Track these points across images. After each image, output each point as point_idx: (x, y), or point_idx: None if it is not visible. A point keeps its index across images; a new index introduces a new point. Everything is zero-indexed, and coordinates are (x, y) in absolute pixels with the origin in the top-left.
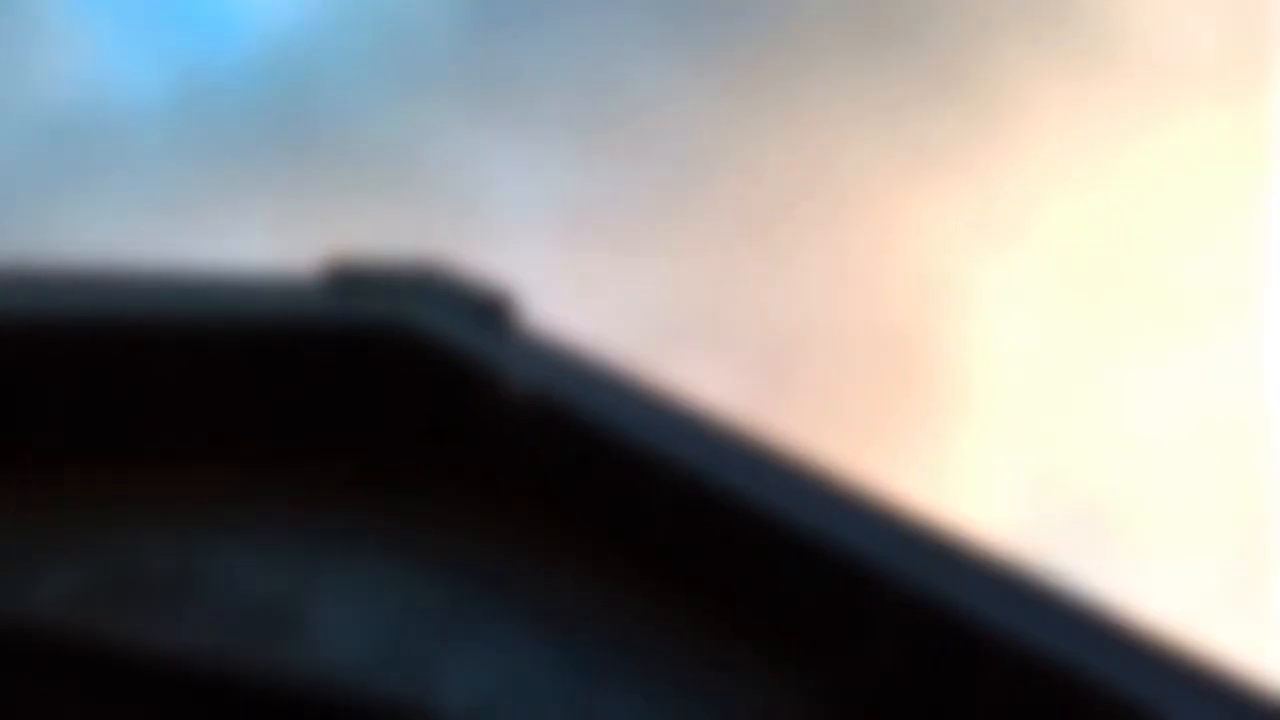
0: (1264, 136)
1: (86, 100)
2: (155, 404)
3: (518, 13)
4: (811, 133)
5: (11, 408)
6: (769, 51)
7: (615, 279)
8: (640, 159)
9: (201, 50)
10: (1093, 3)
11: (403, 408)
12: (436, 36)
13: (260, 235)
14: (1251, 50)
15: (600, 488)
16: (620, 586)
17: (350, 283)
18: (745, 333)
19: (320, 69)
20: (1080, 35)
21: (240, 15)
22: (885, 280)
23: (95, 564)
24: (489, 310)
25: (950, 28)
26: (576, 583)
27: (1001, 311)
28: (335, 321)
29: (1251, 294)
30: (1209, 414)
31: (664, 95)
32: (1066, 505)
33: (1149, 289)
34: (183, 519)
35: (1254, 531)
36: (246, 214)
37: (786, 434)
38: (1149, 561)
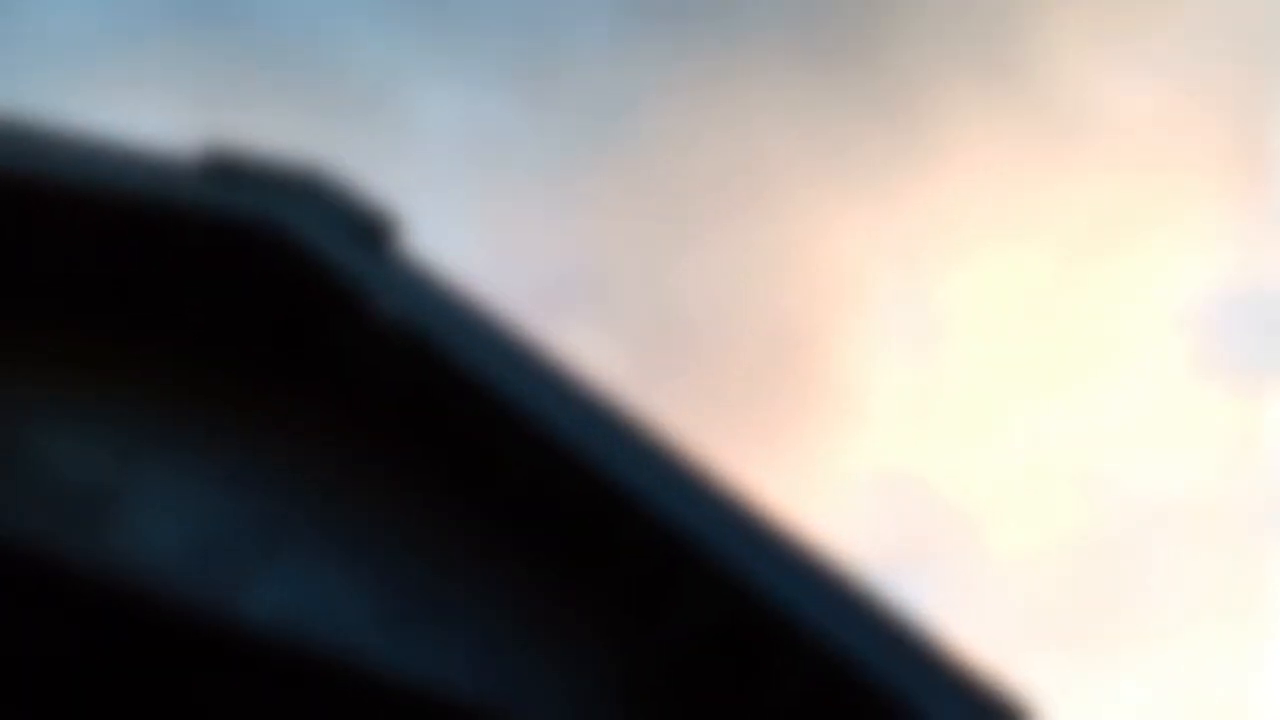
0: (1175, 205)
1: None
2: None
3: None
4: (747, 128)
5: None
6: (725, 46)
7: (516, 224)
8: (568, 114)
9: None
10: (1038, 62)
11: (261, 310)
12: None
13: (161, 115)
14: (1177, 119)
15: (448, 425)
16: (453, 524)
17: (231, 174)
18: (637, 303)
19: None
20: (1021, 89)
21: None
22: (787, 279)
23: None
24: (370, 228)
25: (902, 60)
26: (409, 513)
27: (896, 327)
28: (205, 209)
29: (1130, 346)
30: (1073, 451)
31: (607, 60)
32: (916, 515)
33: (1040, 328)
34: (13, 389)
35: (1086, 571)
36: (152, 91)
37: (652, 408)
38: (975, 579)
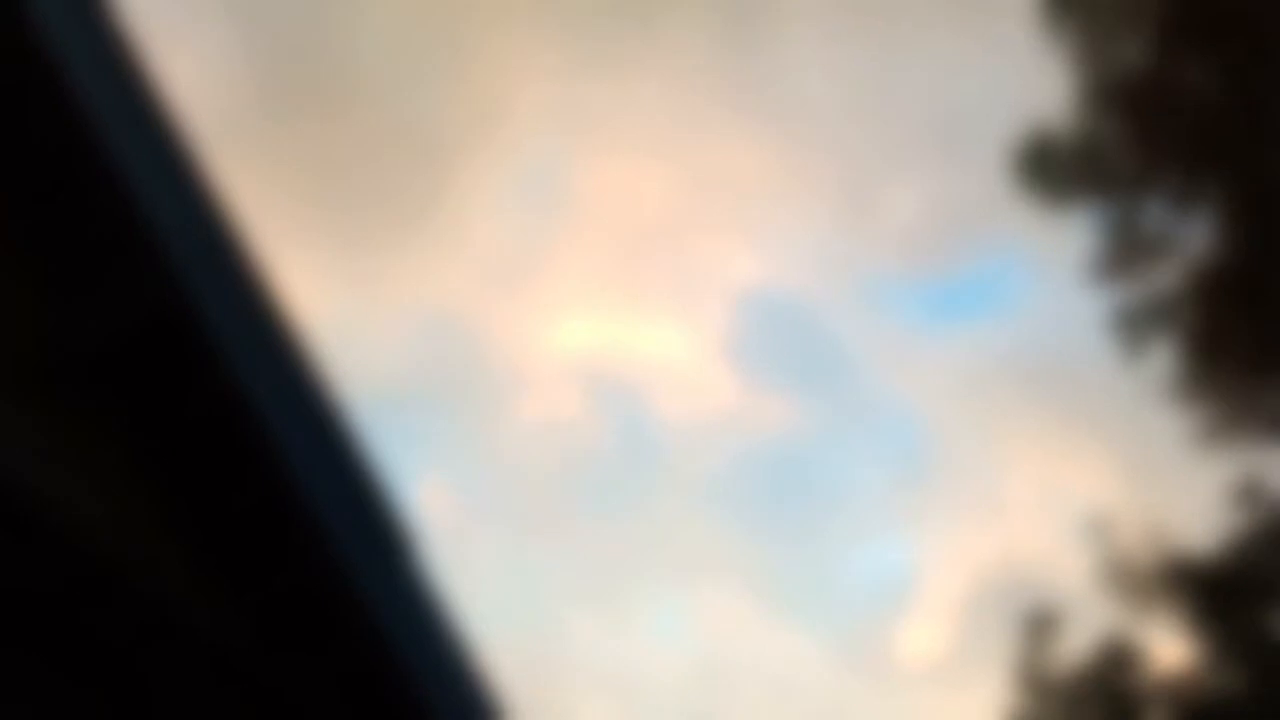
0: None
1: None
2: None
3: None
4: None
5: None
6: None
7: None
8: None
9: None
10: (775, 42)
11: None
12: None
13: None
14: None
15: None
16: None
17: None
18: (280, 32)
19: None
20: (750, 50)
21: None
22: (459, 93)
23: None
24: None
25: None
26: None
27: (530, 184)
28: None
29: (682, 303)
30: (610, 361)
31: None
32: (456, 359)
33: (641, 252)
34: None
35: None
36: None
37: (210, 131)
38: (479, 436)
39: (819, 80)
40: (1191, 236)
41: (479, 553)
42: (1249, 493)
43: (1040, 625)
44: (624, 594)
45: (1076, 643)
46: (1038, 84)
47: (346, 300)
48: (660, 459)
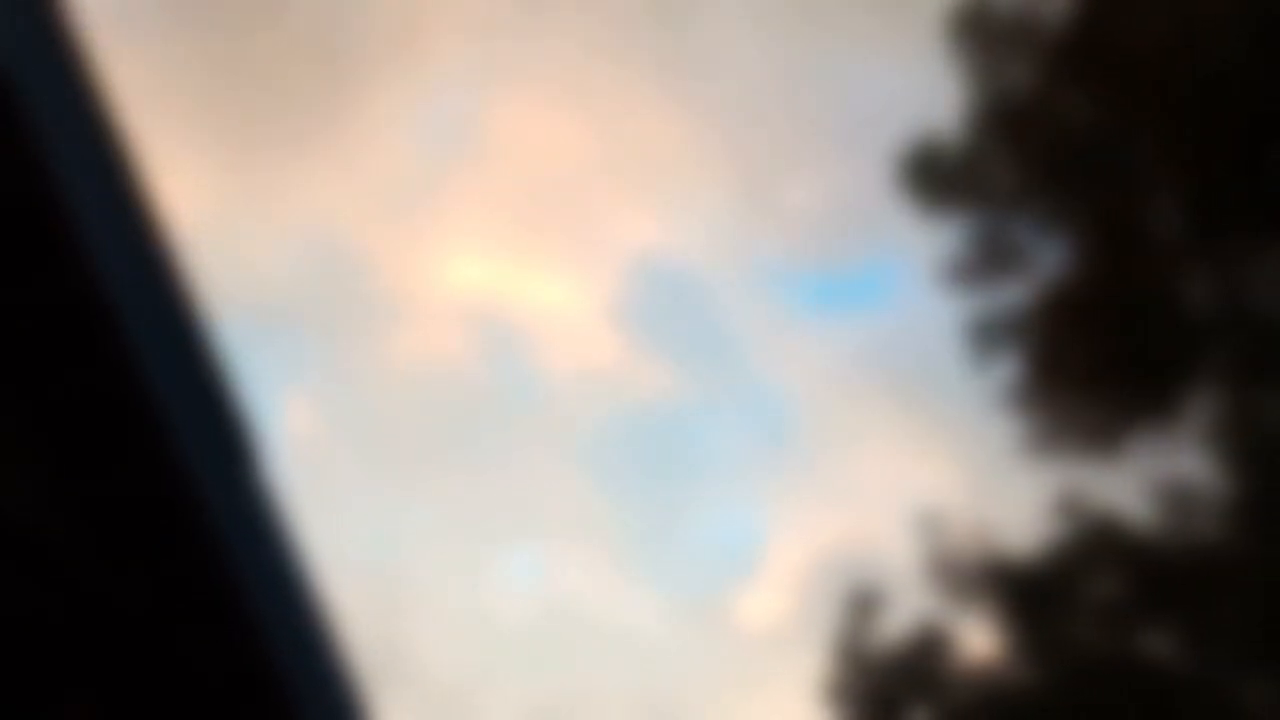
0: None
1: None
2: None
3: None
4: None
5: None
6: None
7: None
8: None
9: None
10: (698, 16)
11: None
12: None
13: None
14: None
15: None
16: None
17: None
18: None
19: None
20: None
21: None
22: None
23: None
24: None
25: None
26: None
27: (447, 126)
28: None
29: (572, 267)
30: (502, 306)
31: None
32: (338, 287)
33: (544, 212)
34: None
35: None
36: None
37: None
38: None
39: (736, 65)
40: (1047, 258)
41: (338, 481)
42: (1069, 505)
43: (865, 605)
44: (480, 539)
45: (896, 625)
46: (936, 96)
47: (238, 210)
48: (533, 409)
